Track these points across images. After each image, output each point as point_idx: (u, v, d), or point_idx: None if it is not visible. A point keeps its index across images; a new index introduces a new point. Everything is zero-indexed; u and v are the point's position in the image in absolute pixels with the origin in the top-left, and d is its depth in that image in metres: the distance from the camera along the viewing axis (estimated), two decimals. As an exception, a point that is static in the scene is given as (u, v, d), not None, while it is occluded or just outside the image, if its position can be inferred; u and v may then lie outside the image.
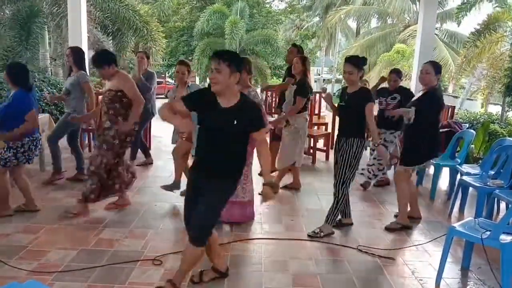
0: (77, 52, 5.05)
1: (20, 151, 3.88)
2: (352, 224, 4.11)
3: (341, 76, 27.53)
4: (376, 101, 5.39)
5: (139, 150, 6.33)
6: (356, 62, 3.74)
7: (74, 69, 4.95)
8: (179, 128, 2.85)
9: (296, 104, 4.74)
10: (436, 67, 3.97)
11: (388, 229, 4.06)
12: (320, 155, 6.98)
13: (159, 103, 4.77)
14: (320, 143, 7.22)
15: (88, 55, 5.93)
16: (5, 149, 3.85)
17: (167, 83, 24.50)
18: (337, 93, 4.34)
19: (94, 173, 4.00)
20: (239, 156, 2.69)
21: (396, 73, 5.28)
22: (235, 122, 2.52)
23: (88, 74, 5.28)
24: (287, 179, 5.23)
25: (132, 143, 6.05)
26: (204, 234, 2.63)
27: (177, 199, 4.61)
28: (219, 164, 2.62)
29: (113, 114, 3.99)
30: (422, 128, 3.87)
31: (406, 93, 5.20)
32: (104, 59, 4.00)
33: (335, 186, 3.85)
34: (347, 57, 3.89)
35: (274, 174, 4.91)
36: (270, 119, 7.26)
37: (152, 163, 6.24)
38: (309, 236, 3.81)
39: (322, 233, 3.82)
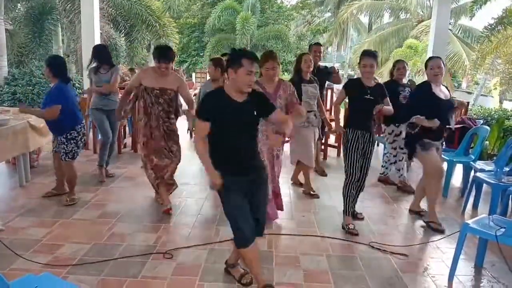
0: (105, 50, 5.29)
1: (79, 139, 4.19)
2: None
3: (352, 72, 27.41)
4: None
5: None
6: (376, 56, 3.78)
7: (105, 66, 5.08)
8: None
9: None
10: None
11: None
12: (332, 152, 6.95)
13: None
14: (332, 139, 7.19)
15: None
16: (65, 143, 4.11)
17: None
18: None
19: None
20: (257, 146, 2.81)
21: (401, 61, 5.25)
22: (255, 113, 2.61)
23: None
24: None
25: None
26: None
27: (189, 194, 4.65)
28: (253, 155, 2.69)
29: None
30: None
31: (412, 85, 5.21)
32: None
33: (364, 179, 3.89)
34: (366, 51, 3.84)
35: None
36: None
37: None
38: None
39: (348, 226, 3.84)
